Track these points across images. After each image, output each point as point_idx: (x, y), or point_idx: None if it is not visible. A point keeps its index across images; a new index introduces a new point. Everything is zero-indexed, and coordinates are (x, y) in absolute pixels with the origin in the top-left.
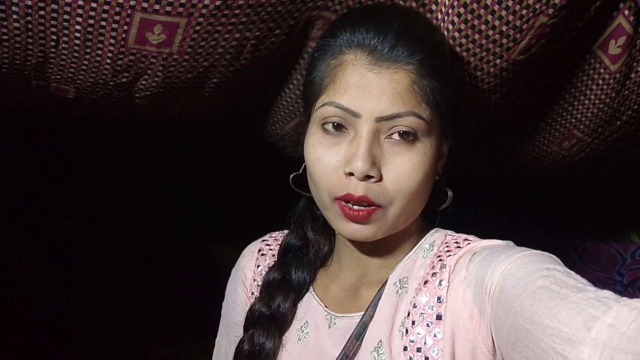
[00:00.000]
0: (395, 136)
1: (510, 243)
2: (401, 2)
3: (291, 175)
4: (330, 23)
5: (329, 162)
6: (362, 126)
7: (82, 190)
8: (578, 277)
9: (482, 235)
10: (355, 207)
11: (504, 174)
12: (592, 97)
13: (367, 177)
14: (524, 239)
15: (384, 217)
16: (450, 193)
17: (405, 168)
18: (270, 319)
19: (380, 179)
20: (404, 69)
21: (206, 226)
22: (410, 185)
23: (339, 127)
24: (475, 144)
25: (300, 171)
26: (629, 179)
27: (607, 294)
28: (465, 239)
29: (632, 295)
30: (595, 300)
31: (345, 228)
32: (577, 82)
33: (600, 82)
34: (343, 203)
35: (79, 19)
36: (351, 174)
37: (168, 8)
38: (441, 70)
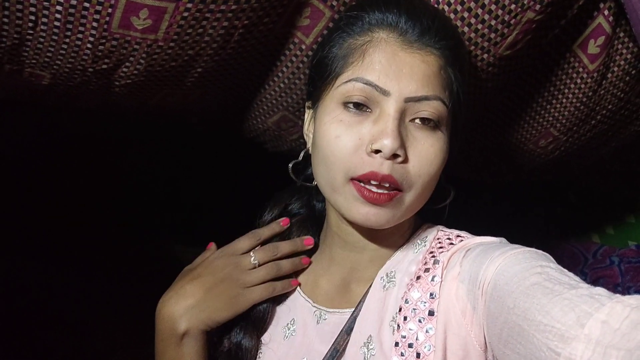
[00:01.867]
0: (418, 120)
1: (504, 240)
2: None
3: (290, 164)
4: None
5: (350, 141)
6: (390, 105)
7: (38, 189)
8: (571, 274)
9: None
10: (375, 190)
11: (477, 172)
12: (570, 95)
13: (394, 157)
14: (484, 234)
15: (401, 203)
16: (452, 190)
17: (427, 153)
18: (247, 317)
19: (404, 161)
20: (433, 54)
21: (172, 227)
22: (430, 171)
23: (360, 105)
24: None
25: (300, 158)
26: (589, 181)
27: (600, 290)
28: (458, 235)
29: None
30: (589, 297)
31: (360, 211)
32: (556, 80)
33: (579, 81)
34: (360, 184)
35: None
36: (377, 151)
37: None
38: (464, 63)
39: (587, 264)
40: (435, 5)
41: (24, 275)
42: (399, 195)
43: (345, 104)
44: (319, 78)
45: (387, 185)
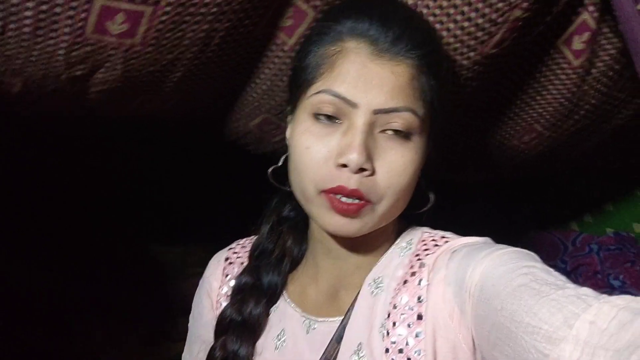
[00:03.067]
0: (389, 131)
1: (489, 240)
2: None
3: (269, 169)
4: (330, 7)
5: (319, 152)
6: (358, 117)
7: (18, 191)
8: (557, 274)
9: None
10: (345, 200)
11: (459, 170)
12: (554, 91)
13: (361, 170)
14: (469, 233)
15: (372, 213)
16: (432, 196)
17: (397, 164)
18: (243, 325)
19: (372, 173)
20: (405, 63)
21: (151, 227)
22: (401, 182)
23: (331, 117)
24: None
25: (280, 163)
26: (569, 173)
27: (587, 291)
28: (443, 237)
29: (575, 280)
30: (576, 298)
31: (331, 222)
32: (541, 77)
33: (563, 76)
34: (332, 195)
35: (30, 4)
36: (344, 165)
37: None
38: (439, 69)
39: (567, 252)
40: (412, 8)
41: (8, 275)
42: (368, 206)
43: (316, 115)
44: (294, 86)
45: (355, 197)
